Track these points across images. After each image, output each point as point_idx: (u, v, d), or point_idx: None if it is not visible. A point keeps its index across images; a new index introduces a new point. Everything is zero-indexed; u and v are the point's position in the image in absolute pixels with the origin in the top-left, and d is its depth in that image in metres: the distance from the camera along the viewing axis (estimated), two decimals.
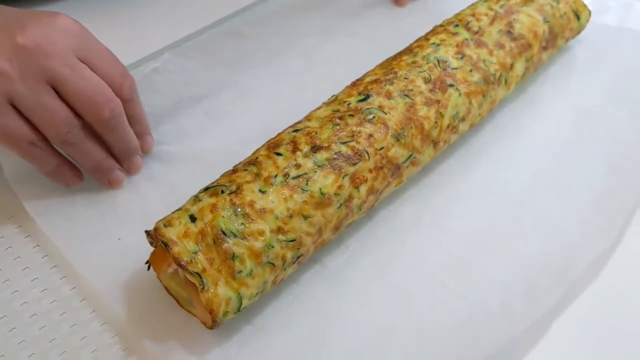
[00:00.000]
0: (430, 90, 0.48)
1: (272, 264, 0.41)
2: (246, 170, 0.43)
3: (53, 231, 0.47)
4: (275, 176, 0.42)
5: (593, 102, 0.57)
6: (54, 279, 0.46)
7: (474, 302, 0.43)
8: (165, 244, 0.39)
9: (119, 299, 0.44)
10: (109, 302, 0.44)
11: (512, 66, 0.53)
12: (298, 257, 0.43)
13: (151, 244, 0.43)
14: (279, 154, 0.43)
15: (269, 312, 0.44)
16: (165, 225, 0.40)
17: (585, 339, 0.43)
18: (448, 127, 0.48)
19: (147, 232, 0.42)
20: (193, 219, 0.40)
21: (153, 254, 0.42)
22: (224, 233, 0.40)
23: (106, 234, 0.47)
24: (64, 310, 0.44)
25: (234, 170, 0.44)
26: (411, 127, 0.46)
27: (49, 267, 0.46)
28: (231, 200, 0.41)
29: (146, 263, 0.43)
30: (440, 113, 0.48)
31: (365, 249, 0.47)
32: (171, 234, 0.40)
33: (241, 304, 0.40)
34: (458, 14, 0.56)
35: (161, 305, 0.44)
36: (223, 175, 0.44)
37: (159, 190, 0.50)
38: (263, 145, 0.45)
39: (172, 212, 0.42)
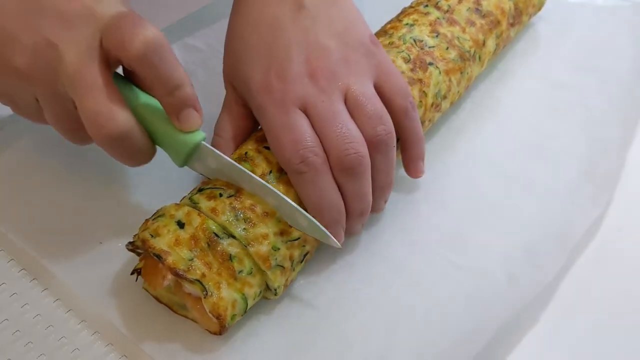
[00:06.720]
0: (411, 70, 0.48)
1: (282, 266, 0.40)
2: None
3: (28, 242, 0.45)
4: (270, 172, 0.41)
5: (562, 74, 0.58)
6: (34, 293, 0.43)
7: (477, 273, 0.44)
8: (158, 256, 0.37)
9: (108, 305, 0.42)
10: (98, 310, 0.42)
11: (484, 42, 0.53)
12: (305, 255, 0.42)
13: (137, 254, 0.41)
14: (269, 148, 0.42)
15: (273, 300, 0.42)
16: (152, 236, 0.38)
17: (591, 302, 0.44)
18: (432, 105, 0.49)
19: (130, 243, 0.40)
20: (181, 225, 0.39)
21: (144, 268, 0.40)
22: (216, 235, 0.38)
23: (86, 239, 0.45)
24: (49, 323, 0.42)
25: None
26: None
27: (27, 281, 0.44)
28: (231, 204, 0.39)
29: (132, 273, 0.41)
30: (424, 92, 0.48)
31: (363, 231, 0.46)
32: (161, 244, 0.38)
33: (247, 304, 0.39)
34: None
35: (153, 306, 0.42)
36: None
37: (137, 188, 0.48)
38: (250, 139, 0.44)
39: (154, 219, 0.40)
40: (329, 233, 0.40)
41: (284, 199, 0.39)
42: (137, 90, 0.40)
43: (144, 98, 0.40)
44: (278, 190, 0.40)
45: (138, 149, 0.39)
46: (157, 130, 0.40)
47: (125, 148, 0.39)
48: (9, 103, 0.41)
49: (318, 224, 0.40)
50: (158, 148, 0.41)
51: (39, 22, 0.37)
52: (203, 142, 0.40)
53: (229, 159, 0.41)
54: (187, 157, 0.41)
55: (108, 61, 0.38)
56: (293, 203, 0.39)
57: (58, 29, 0.37)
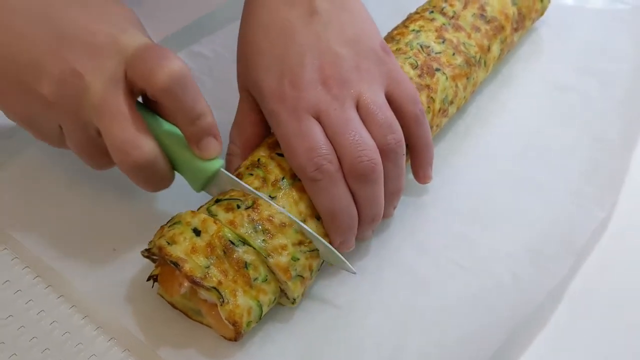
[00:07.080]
0: (419, 76, 0.48)
1: (302, 276, 0.40)
2: (252, 174, 0.42)
3: (41, 248, 0.45)
4: (283, 179, 0.42)
5: (564, 76, 0.59)
6: (50, 299, 0.43)
7: (484, 276, 0.45)
8: (175, 264, 0.38)
9: (124, 311, 0.42)
10: (113, 316, 0.42)
11: (489, 48, 0.54)
12: (321, 264, 0.42)
13: (152, 260, 0.41)
14: (281, 155, 0.43)
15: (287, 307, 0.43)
16: (169, 243, 0.39)
17: (600, 304, 0.45)
18: (439, 111, 0.49)
19: (146, 250, 0.40)
20: (197, 232, 0.39)
21: (160, 275, 0.40)
22: (232, 243, 0.39)
23: (100, 245, 0.45)
24: (65, 330, 0.42)
25: (238, 175, 0.43)
26: None
27: (42, 287, 0.44)
28: (249, 215, 0.40)
29: (148, 280, 0.41)
30: (432, 98, 0.48)
31: (373, 237, 0.47)
32: (178, 251, 0.38)
33: (262, 311, 0.40)
34: (430, 0, 0.57)
35: (168, 312, 0.42)
36: None
37: (148, 194, 0.48)
38: (262, 145, 0.44)
39: (170, 226, 0.40)
40: (344, 259, 0.41)
41: (302, 226, 0.40)
42: (158, 118, 0.41)
43: (165, 126, 0.41)
44: (292, 196, 0.41)
45: (160, 175, 0.40)
46: (177, 157, 0.41)
47: (148, 175, 0.40)
48: (30, 129, 0.41)
49: (335, 250, 0.41)
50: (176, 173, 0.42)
51: (65, 52, 0.38)
52: (221, 169, 0.41)
53: (245, 185, 0.41)
54: (205, 183, 0.42)
55: (132, 91, 0.39)
56: (311, 230, 0.40)
57: (84, 59, 0.38)
